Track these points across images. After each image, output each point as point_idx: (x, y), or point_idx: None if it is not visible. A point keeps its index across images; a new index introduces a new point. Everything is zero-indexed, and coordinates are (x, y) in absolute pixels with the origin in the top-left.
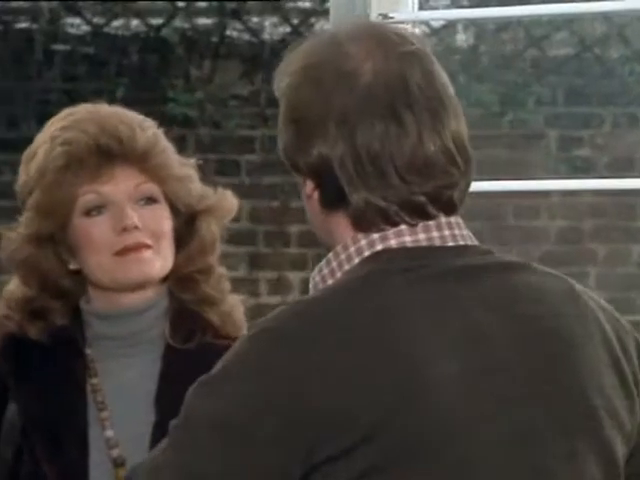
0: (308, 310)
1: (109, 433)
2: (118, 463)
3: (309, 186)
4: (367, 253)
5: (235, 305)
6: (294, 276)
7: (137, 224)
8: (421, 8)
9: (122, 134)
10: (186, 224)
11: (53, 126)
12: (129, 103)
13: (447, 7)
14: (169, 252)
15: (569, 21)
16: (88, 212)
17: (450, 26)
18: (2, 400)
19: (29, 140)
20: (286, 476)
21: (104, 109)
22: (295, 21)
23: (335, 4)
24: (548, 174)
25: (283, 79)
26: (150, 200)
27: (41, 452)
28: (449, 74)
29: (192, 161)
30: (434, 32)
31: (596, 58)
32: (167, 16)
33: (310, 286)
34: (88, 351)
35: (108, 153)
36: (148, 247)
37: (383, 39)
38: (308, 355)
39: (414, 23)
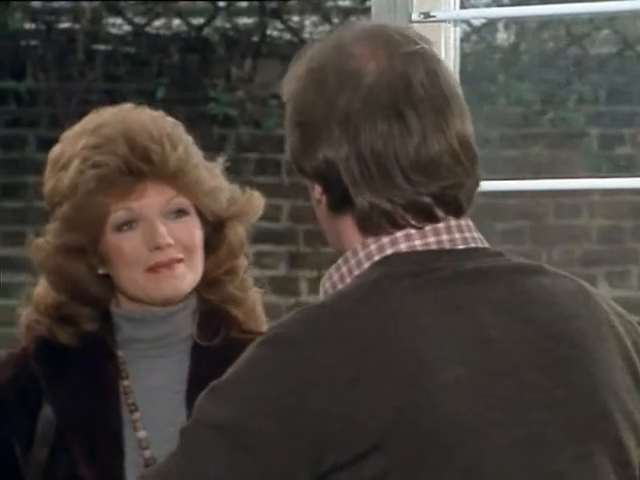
0: (317, 316)
1: (141, 434)
2: (150, 464)
3: (317, 190)
4: (377, 257)
5: (257, 300)
6: None
7: (169, 241)
8: (462, 6)
9: (153, 155)
10: (214, 230)
11: (83, 139)
12: (170, 103)
13: (488, 5)
14: (200, 263)
15: (611, 19)
16: (119, 227)
17: (491, 24)
18: (37, 402)
19: None
20: None
21: (133, 121)
22: (335, 20)
23: (376, 2)
24: (589, 173)
25: (290, 84)
26: (181, 212)
27: (78, 454)
28: (489, 73)
29: (219, 162)
30: (475, 30)
31: (638, 56)
32: (208, 16)
33: (321, 292)
34: (119, 353)
35: (139, 174)
36: (180, 261)
37: (387, 39)
38: (315, 361)
39: (455, 22)
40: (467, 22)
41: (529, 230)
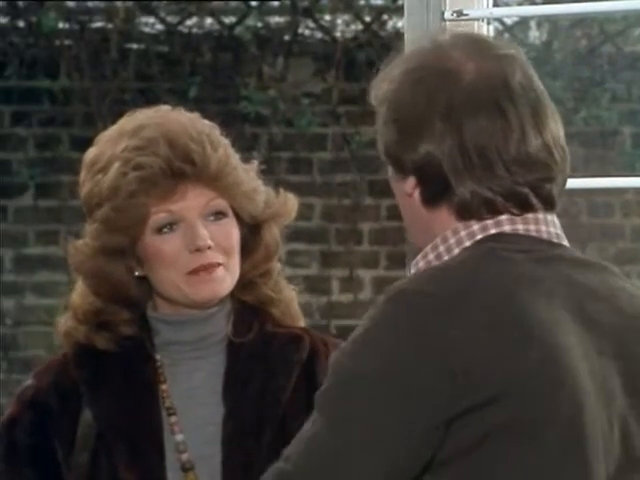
0: (443, 276)
1: (178, 437)
2: (187, 467)
3: (410, 183)
4: (480, 236)
5: (292, 298)
6: (365, 274)
7: (210, 244)
8: (495, 5)
9: (195, 156)
10: (251, 232)
11: (123, 141)
12: (202, 102)
13: (520, 3)
14: (237, 266)
15: None
16: (160, 230)
17: (523, 22)
18: (77, 407)
19: None
20: (431, 430)
21: (172, 122)
22: (367, 19)
23: (409, 1)
24: (622, 171)
25: (382, 87)
26: (219, 215)
27: (119, 457)
28: None
29: (255, 165)
30: (507, 29)
31: None
32: (240, 15)
33: (412, 270)
34: (157, 357)
35: (181, 175)
36: (219, 265)
37: (482, 43)
38: (454, 311)
39: (488, 20)
40: (500, 20)
41: (563, 228)
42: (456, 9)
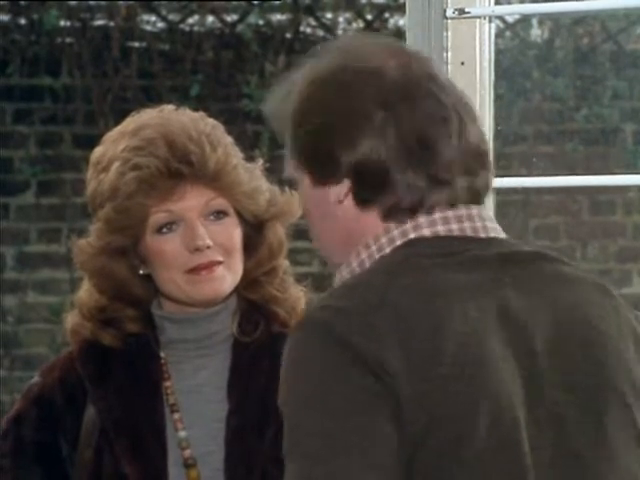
0: (352, 293)
1: (182, 434)
2: (189, 464)
3: (343, 187)
4: (399, 242)
5: (298, 298)
6: None
7: (209, 243)
8: (497, 3)
9: (193, 156)
10: (254, 231)
11: (124, 141)
12: (204, 99)
13: (522, 1)
14: (239, 264)
15: None
16: (159, 229)
17: (525, 20)
18: (83, 403)
19: None
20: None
21: (173, 122)
22: (369, 17)
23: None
24: (624, 169)
25: (288, 101)
26: (220, 214)
27: (122, 452)
28: (524, 69)
29: (259, 163)
30: (509, 26)
31: None
32: (242, 12)
33: (336, 279)
34: (162, 354)
35: (179, 176)
36: (220, 263)
37: (400, 45)
38: (363, 335)
39: (490, 18)
40: (501, 18)
41: (564, 226)
42: (458, 7)
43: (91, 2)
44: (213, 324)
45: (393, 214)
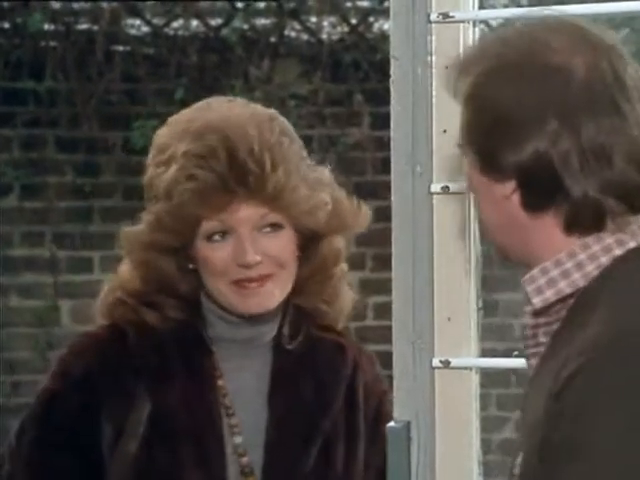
0: None
1: (238, 440)
2: (247, 472)
3: (508, 187)
4: (604, 259)
5: (347, 302)
6: (352, 275)
7: (258, 259)
8: (481, 7)
9: (250, 177)
10: (310, 242)
11: (186, 142)
12: (189, 103)
13: (506, 6)
14: (290, 277)
15: (630, 19)
16: (210, 237)
17: (509, 24)
18: (133, 390)
19: (91, 140)
20: None
21: (239, 127)
22: (354, 21)
23: (395, 3)
24: None
25: (465, 80)
26: (275, 226)
27: (186, 457)
28: None
29: (326, 171)
30: (493, 30)
31: None
32: (226, 16)
33: (536, 301)
34: (214, 349)
35: (235, 192)
36: (268, 277)
37: (582, 32)
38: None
39: (474, 22)
40: (486, 22)
41: None
42: (442, 11)
43: (75, 6)
44: (264, 326)
45: (576, 223)
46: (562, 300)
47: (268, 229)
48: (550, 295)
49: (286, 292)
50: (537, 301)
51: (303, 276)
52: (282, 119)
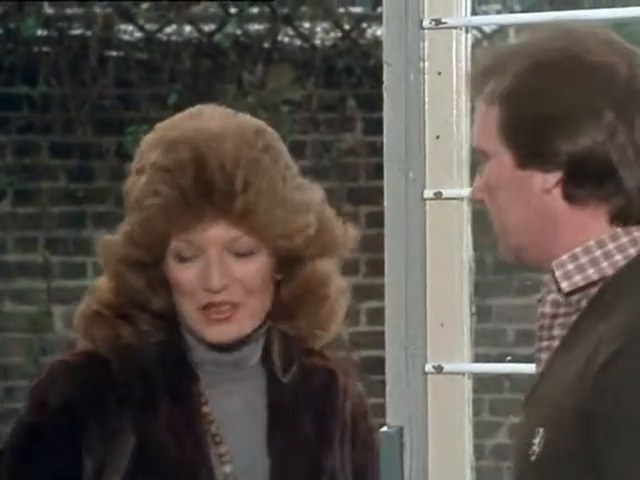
0: None
1: (227, 469)
2: None
3: (552, 179)
4: (632, 251)
5: (333, 336)
6: (345, 281)
7: (225, 284)
8: (474, 13)
9: (216, 195)
10: (289, 264)
11: (157, 152)
12: (182, 109)
13: (499, 12)
14: (262, 304)
15: (622, 25)
16: (179, 256)
17: (502, 31)
18: (117, 421)
19: (84, 145)
20: None
21: (213, 143)
22: (347, 26)
23: (387, 9)
24: None
25: (499, 78)
26: (247, 252)
27: None
28: None
29: (316, 190)
30: (486, 37)
31: None
32: (219, 22)
33: (564, 284)
34: (200, 374)
35: (201, 210)
36: (235, 306)
37: (611, 38)
38: None
39: (466, 28)
40: (478, 28)
41: None
42: (434, 17)
43: (68, 11)
44: (246, 350)
45: (621, 218)
46: (584, 288)
47: (240, 252)
48: (579, 280)
49: (258, 319)
50: (565, 285)
51: (286, 300)
52: (270, 132)
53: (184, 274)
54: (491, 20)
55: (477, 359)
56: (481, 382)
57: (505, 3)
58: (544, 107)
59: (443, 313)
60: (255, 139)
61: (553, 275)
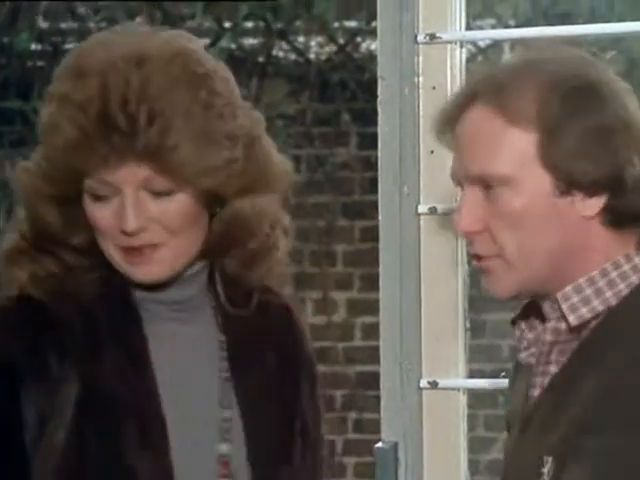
0: None
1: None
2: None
3: (597, 204)
4: (635, 278)
5: (275, 263)
6: (339, 295)
7: (141, 227)
8: (468, 28)
9: (117, 134)
10: (216, 204)
11: (63, 80)
12: None
13: (494, 27)
14: (188, 244)
15: (617, 40)
16: (94, 196)
17: (496, 45)
18: (58, 371)
19: None
20: None
21: (118, 73)
22: (341, 41)
23: (382, 24)
24: None
25: (523, 105)
26: (164, 192)
27: (128, 439)
28: None
29: (254, 117)
30: (481, 51)
31: None
32: (214, 36)
33: (571, 317)
34: (142, 314)
35: (108, 147)
36: (156, 247)
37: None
38: None
39: (461, 43)
40: (473, 43)
41: None
42: (429, 32)
43: (62, 25)
44: (185, 289)
45: None
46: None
47: (158, 191)
48: (585, 312)
49: (187, 258)
50: (573, 319)
51: (215, 237)
52: (193, 56)
53: (99, 213)
54: (485, 35)
55: (472, 374)
56: (476, 397)
57: (500, 18)
58: (589, 130)
59: (438, 328)
60: (170, 65)
61: (558, 306)
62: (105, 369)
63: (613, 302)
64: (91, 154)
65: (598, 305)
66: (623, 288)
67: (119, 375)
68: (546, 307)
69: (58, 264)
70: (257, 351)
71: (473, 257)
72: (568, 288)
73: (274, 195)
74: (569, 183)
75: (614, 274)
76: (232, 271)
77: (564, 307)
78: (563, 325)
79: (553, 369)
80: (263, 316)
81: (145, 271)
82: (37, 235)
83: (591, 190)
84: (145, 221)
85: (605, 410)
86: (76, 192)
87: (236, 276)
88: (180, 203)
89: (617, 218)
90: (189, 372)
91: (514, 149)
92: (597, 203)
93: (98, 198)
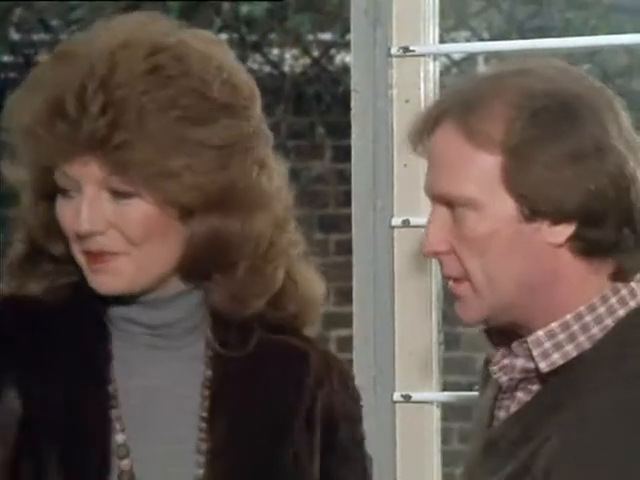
0: None
1: (120, 438)
2: (123, 479)
3: (565, 232)
4: (633, 303)
5: (308, 296)
6: None
7: (94, 230)
8: (442, 41)
9: (64, 122)
10: (185, 216)
11: (44, 65)
12: None
13: (468, 39)
14: (153, 258)
15: (591, 53)
16: (62, 190)
17: (471, 58)
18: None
19: None
20: None
21: (94, 55)
22: (316, 53)
23: (356, 37)
24: None
25: (495, 129)
26: (125, 193)
27: (48, 456)
28: None
29: (240, 129)
30: (455, 64)
31: (619, 90)
32: None
33: (553, 355)
34: (112, 331)
35: (63, 137)
36: (116, 255)
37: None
38: None
39: (434, 56)
40: (447, 55)
41: None
42: (402, 45)
43: (35, 37)
44: (162, 311)
45: (626, 271)
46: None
47: (118, 191)
48: (557, 358)
49: (149, 275)
50: (544, 365)
51: (191, 258)
52: (171, 52)
53: (62, 210)
54: (459, 48)
55: (446, 387)
56: (450, 410)
57: (474, 30)
58: (557, 157)
59: (411, 342)
60: (144, 58)
61: (528, 349)
62: (52, 390)
63: (587, 346)
64: (39, 141)
65: (572, 350)
66: (597, 332)
67: (66, 401)
68: (515, 346)
69: (42, 279)
70: (244, 397)
71: (446, 278)
72: (540, 333)
73: (266, 213)
74: (534, 211)
75: (589, 318)
76: (221, 301)
77: (535, 354)
78: (532, 365)
79: (522, 397)
80: (263, 358)
81: (103, 280)
82: (27, 242)
83: (558, 218)
84: (102, 224)
85: (555, 465)
86: (50, 189)
87: (228, 310)
88: (140, 210)
89: (588, 247)
90: (161, 406)
91: (478, 172)
92: (565, 231)
93: (64, 193)
